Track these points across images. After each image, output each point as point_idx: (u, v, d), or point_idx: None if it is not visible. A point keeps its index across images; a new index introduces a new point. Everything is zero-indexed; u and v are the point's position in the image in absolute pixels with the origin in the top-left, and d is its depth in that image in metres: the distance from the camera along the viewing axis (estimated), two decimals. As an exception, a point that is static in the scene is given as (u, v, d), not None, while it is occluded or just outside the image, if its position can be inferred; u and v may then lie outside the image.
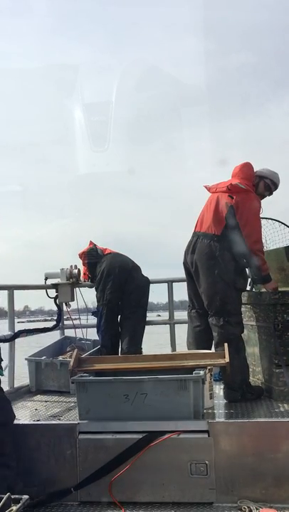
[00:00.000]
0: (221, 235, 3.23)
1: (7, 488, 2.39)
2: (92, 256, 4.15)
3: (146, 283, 4.12)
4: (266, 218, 3.76)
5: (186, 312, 3.59)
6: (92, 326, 4.27)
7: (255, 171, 3.45)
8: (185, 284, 3.59)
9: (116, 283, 3.95)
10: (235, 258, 3.23)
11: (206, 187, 3.50)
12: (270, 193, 3.50)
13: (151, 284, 4.21)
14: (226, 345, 2.95)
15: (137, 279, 4.05)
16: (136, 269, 4.11)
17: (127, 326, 3.97)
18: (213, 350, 3.29)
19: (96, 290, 4.08)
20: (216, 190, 3.40)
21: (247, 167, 3.43)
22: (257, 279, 3.45)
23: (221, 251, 3.21)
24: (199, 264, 3.27)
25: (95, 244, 4.28)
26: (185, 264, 3.45)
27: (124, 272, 3.99)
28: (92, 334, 4.27)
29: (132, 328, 3.95)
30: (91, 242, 4.34)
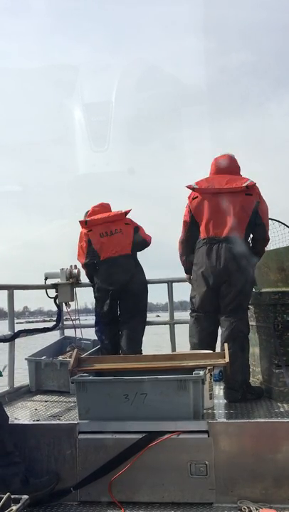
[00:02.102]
0: (245, 237, 3.25)
1: (20, 482, 2.45)
2: (90, 269, 4.07)
3: (143, 288, 4.01)
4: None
5: (186, 313, 3.55)
6: (92, 326, 4.26)
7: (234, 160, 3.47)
8: (185, 284, 3.58)
9: (110, 298, 3.92)
10: (253, 256, 3.30)
11: (201, 189, 3.33)
12: None
13: (150, 284, 4.21)
14: (226, 345, 2.96)
15: (132, 290, 3.91)
16: (131, 279, 3.91)
17: (125, 330, 3.95)
18: (218, 347, 3.30)
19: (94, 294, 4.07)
20: (221, 191, 3.27)
21: (234, 161, 3.43)
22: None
23: (247, 252, 3.22)
24: (231, 267, 3.16)
25: (90, 242, 3.97)
26: (205, 273, 3.25)
27: (116, 290, 3.89)
28: (92, 334, 4.26)
29: (131, 331, 3.93)
30: (82, 230, 4.03)
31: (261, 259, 3.66)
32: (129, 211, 4.06)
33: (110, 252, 3.92)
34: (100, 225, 3.97)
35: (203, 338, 3.35)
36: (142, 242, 4.08)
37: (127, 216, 4.05)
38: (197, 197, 3.35)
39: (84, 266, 4.13)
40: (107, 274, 3.93)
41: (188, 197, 3.42)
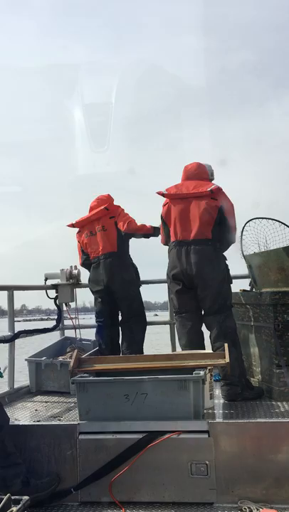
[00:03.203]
0: (212, 237, 3.33)
1: (21, 483, 2.45)
2: (87, 269, 4.06)
3: (128, 287, 3.88)
4: (266, 218, 3.76)
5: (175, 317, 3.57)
6: (92, 327, 4.26)
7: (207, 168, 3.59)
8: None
9: (101, 299, 3.91)
10: (224, 256, 3.42)
11: (169, 194, 3.45)
12: None
13: (150, 284, 4.20)
14: (226, 345, 2.96)
15: (117, 292, 3.85)
16: (111, 279, 3.82)
17: (125, 331, 3.94)
18: (210, 345, 3.32)
19: None
20: (187, 196, 3.39)
21: (202, 167, 3.55)
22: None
23: (216, 252, 3.35)
24: (204, 269, 3.28)
25: (82, 248, 4.00)
26: (176, 274, 3.36)
27: (100, 291, 3.88)
28: (92, 335, 4.25)
29: (130, 332, 3.92)
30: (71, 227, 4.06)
31: (261, 259, 3.68)
32: (112, 203, 3.96)
33: (95, 252, 3.91)
34: (86, 226, 3.97)
35: (192, 338, 3.40)
36: (124, 234, 3.88)
37: (111, 208, 3.91)
38: (168, 203, 3.50)
39: (81, 266, 4.16)
40: (92, 275, 3.94)
41: (163, 204, 3.56)
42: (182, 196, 3.42)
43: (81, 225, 4.00)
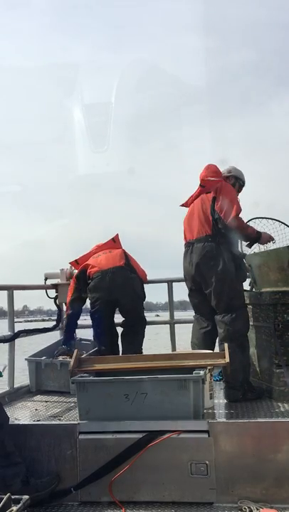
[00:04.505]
0: (213, 233, 3.26)
1: (21, 482, 2.46)
2: (74, 307, 3.98)
3: (136, 302, 3.89)
4: (266, 218, 3.76)
5: (186, 313, 3.63)
6: (91, 327, 4.26)
7: (225, 169, 3.55)
8: (184, 284, 3.60)
9: (100, 300, 3.80)
10: (232, 250, 3.28)
11: (185, 203, 3.58)
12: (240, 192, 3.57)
13: (151, 284, 4.20)
14: (225, 345, 2.96)
15: (126, 305, 3.83)
16: (123, 293, 3.77)
17: (126, 333, 3.94)
18: (217, 347, 3.32)
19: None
20: (192, 200, 3.48)
21: (210, 168, 3.50)
22: (250, 244, 3.50)
23: (218, 248, 3.24)
24: (202, 267, 3.27)
25: (79, 277, 3.98)
26: (185, 276, 3.49)
27: (109, 302, 3.79)
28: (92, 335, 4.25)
29: (133, 335, 3.92)
30: (73, 264, 4.17)
31: (261, 258, 3.66)
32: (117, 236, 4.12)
33: (101, 266, 3.82)
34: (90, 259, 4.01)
35: (202, 338, 3.41)
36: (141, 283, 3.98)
37: (117, 240, 4.10)
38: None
39: (68, 304, 4.00)
40: (99, 285, 3.77)
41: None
42: (190, 201, 3.51)
43: (84, 260, 4.04)
